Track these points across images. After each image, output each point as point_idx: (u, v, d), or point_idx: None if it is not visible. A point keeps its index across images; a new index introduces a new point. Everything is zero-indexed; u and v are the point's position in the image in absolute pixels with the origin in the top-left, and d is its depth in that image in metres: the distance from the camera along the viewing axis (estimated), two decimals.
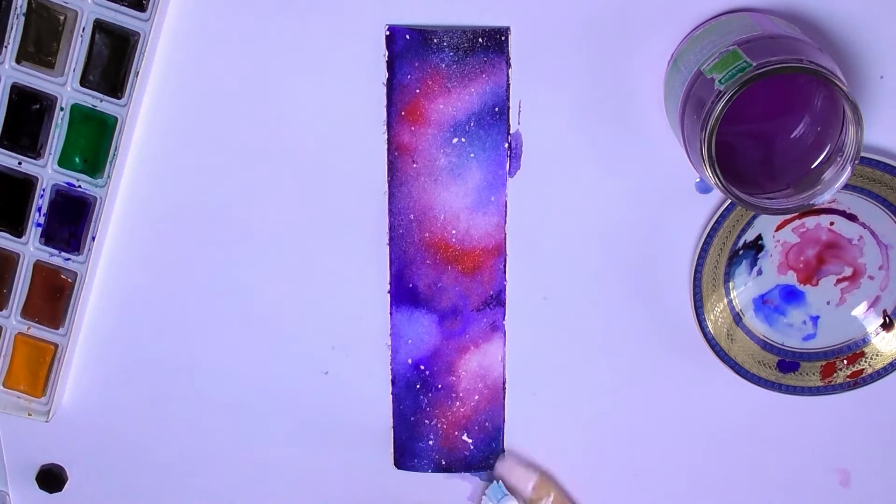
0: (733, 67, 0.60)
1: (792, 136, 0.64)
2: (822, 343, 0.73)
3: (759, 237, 0.71)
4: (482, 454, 0.76)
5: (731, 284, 0.72)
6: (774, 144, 0.64)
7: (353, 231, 0.72)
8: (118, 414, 0.75)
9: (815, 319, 0.73)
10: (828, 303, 0.73)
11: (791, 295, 0.72)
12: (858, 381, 0.73)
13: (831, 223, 0.71)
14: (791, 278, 0.72)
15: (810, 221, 0.71)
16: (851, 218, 0.71)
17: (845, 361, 0.73)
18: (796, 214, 0.70)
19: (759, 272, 0.72)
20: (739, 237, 0.70)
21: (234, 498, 0.78)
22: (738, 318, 0.72)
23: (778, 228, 0.71)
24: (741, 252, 0.71)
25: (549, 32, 0.68)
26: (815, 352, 0.73)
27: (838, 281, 0.72)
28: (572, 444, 0.76)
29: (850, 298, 0.73)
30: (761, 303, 0.72)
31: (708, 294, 0.71)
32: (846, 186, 0.67)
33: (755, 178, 0.63)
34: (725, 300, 0.72)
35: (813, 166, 0.63)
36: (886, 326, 0.73)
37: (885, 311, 0.73)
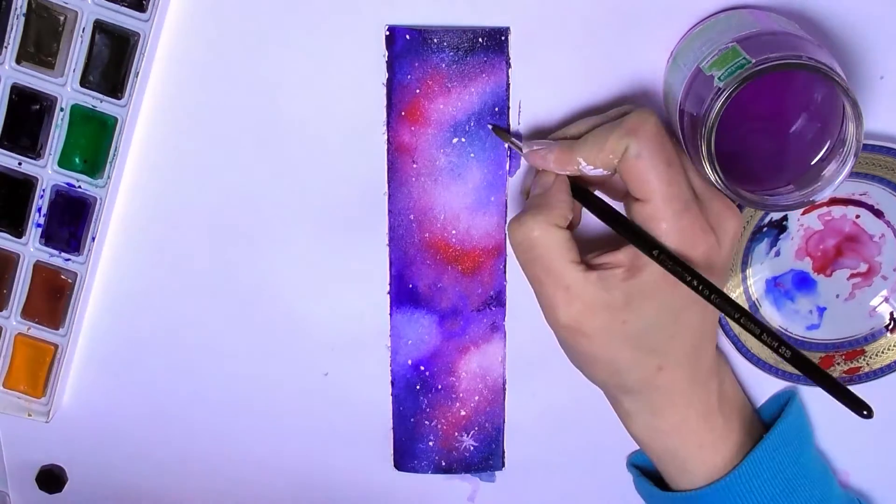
0: (732, 64, 0.60)
1: (791, 133, 0.64)
2: (825, 335, 0.73)
3: (785, 217, 0.70)
4: (482, 455, 0.76)
5: (748, 272, 0.71)
6: (774, 141, 0.64)
7: (353, 231, 0.72)
8: (118, 414, 0.75)
9: (821, 310, 0.73)
10: (837, 296, 0.72)
11: (803, 282, 0.72)
12: (854, 378, 0.73)
13: (857, 216, 0.71)
14: (806, 265, 0.72)
15: (837, 210, 0.71)
16: (878, 214, 0.71)
17: (844, 357, 0.73)
18: (825, 201, 0.70)
19: (777, 254, 0.71)
20: (766, 214, 0.70)
21: (234, 498, 0.77)
22: (754, 308, 0.72)
23: (805, 212, 0.71)
24: (765, 229, 0.71)
25: (549, 32, 0.68)
26: (816, 342, 0.73)
27: (851, 276, 0.72)
28: (572, 444, 0.76)
29: (860, 295, 0.72)
30: (773, 285, 0.72)
31: None
32: (881, 181, 0.67)
33: (755, 175, 0.63)
34: (742, 287, 0.71)
35: (813, 163, 0.63)
36: (891, 328, 0.72)
37: (892, 313, 0.72)
